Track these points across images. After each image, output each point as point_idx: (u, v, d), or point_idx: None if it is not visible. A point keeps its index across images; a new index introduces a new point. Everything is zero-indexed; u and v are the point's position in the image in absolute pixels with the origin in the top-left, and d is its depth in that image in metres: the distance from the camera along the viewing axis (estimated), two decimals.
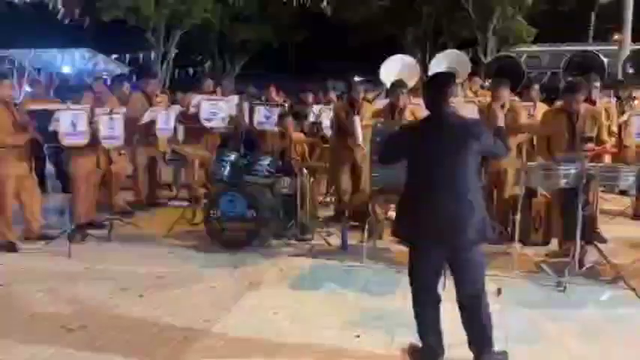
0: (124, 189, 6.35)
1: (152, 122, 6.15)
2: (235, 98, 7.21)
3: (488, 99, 5.37)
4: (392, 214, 5.41)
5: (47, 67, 14.88)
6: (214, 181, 5.58)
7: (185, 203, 6.23)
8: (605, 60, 7.50)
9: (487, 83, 7.45)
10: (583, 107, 4.57)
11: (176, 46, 17.61)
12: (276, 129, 6.14)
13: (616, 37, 13.86)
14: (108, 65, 15.64)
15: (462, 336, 2.84)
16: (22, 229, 5.21)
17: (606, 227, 5.21)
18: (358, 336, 3.27)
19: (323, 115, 6.62)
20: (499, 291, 3.83)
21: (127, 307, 3.72)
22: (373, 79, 9.52)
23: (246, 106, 7.06)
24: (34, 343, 3.19)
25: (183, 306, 3.75)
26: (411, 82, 7.70)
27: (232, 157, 5.38)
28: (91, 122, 5.22)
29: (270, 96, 7.82)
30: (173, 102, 7.11)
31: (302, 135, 6.19)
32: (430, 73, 8.88)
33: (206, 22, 17.09)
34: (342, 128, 5.58)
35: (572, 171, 4.02)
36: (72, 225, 5.29)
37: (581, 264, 4.20)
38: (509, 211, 4.91)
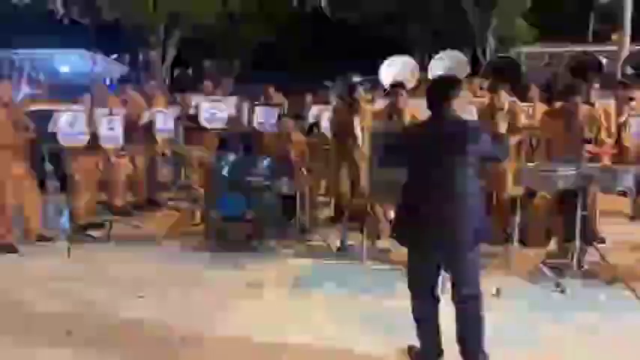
0: (123, 189, 6.35)
1: (151, 122, 6.15)
2: (234, 99, 7.22)
3: (487, 100, 5.37)
4: (391, 214, 5.42)
5: (46, 68, 14.87)
6: (213, 182, 5.58)
7: (184, 204, 6.23)
8: (604, 61, 7.50)
9: (486, 84, 7.45)
10: (582, 108, 4.58)
11: (175, 47, 17.60)
12: (275, 129, 6.15)
13: (615, 37, 13.87)
14: (107, 65, 15.63)
15: None
16: (21, 229, 5.21)
17: (605, 228, 5.22)
18: (357, 337, 3.27)
19: (322, 115, 6.62)
20: (498, 291, 3.84)
21: (126, 308, 3.72)
22: (372, 80, 9.53)
23: (245, 106, 7.06)
24: (33, 345, 3.20)
25: (182, 307, 3.75)
26: (411, 83, 7.72)
27: (231, 157, 5.39)
28: (90, 123, 5.22)
29: (270, 96, 7.82)
30: (172, 102, 7.11)
31: (301, 135, 6.19)
32: (429, 73, 8.90)
33: (205, 22, 17.07)
34: (342, 129, 5.59)
35: (571, 172, 4.03)
36: (71, 226, 5.29)
37: (580, 265, 4.21)
38: (508, 212, 4.91)
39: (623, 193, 6.02)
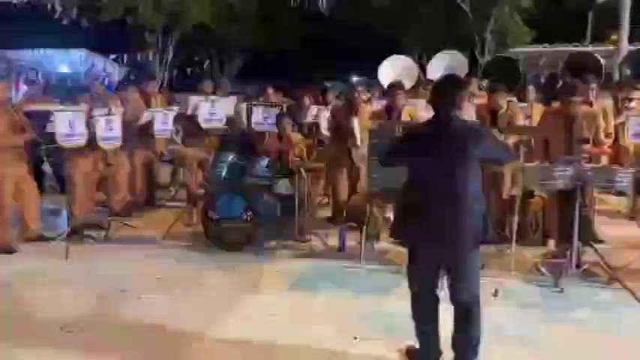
0: (121, 190, 6.34)
1: (150, 123, 6.14)
2: (233, 99, 7.21)
3: (486, 100, 5.37)
4: (390, 215, 5.43)
5: (45, 68, 14.86)
6: (212, 182, 5.58)
7: (183, 204, 6.23)
8: (603, 61, 7.50)
9: (485, 84, 7.45)
10: (580, 108, 4.58)
11: (174, 47, 17.59)
12: (274, 130, 6.14)
13: (613, 37, 13.89)
14: (105, 66, 15.63)
15: None
16: (19, 230, 5.20)
17: (603, 228, 5.23)
18: (356, 337, 3.27)
19: (321, 115, 6.62)
20: (496, 292, 3.84)
21: (125, 308, 3.72)
22: (370, 80, 9.54)
23: (243, 107, 7.05)
24: (32, 345, 3.19)
25: (181, 308, 3.75)
26: (409, 83, 7.72)
27: (230, 158, 5.38)
28: (88, 123, 5.21)
29: (268, 97, 7.81)
30: (171, 102, 7.10)
31: (300, 136, 6.18)
32: (428, 73, 8.91)
33: (204, 23, 17.06)
34: (341, 129, 5.58)
35: (569, 172, 4.04)
36: (69, 226, 5.28)
37: (577, 265, 4.22)
38: (506, 212, 4.92)
39: (621, 193, 6.03)
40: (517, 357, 3.07)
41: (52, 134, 5.16)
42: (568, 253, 4.17)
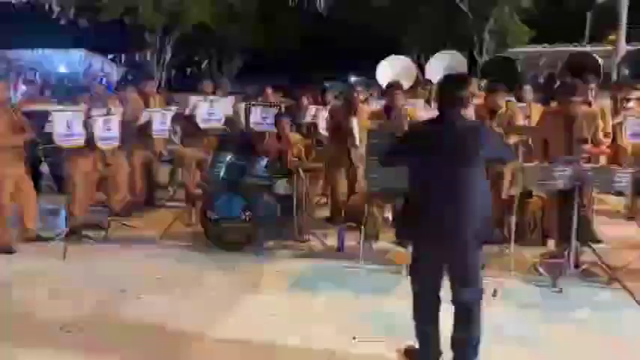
0: (120, 190, 6.33)
1: (148, 123, 6.14)
2: (232, 99, 7.20)
3: (484, 100, 5.37)
4: (388, 215, 5.43)
5: (43, 68, 14.84)
6: (211, 182, 5.58)
7: (182, 204, 6.22)
8: (601, 61, 7.52)
9: (483, 84, 7.46)
10: (579, 108, 4.59)
11: (173, 47, 17.57)
12: (272, 130, 6.14)
13: (611, 37, 13.92)
14: (104, 66, 15.61)
15: None
16: (18, 230, 5.19)
17: (601, 228, 5.23)
18: (355, 337, 3.27)
19: (319, 115, 6.62)
20: (495, 292, 3.84)
21: (124, 309, 3.72)
22: (369, 80, 9.54)
23: (242, 107, 7.05)
24: (31, 346, 3.19)
25: (180, 308, 3.75)
26: (407, 83, 7.72)
27: (229, 158, 5.38)
28: (87, 123, 5.21)
29: (267, 97, 7.81)
30: (170, 102, 7.09)
31: (298, 136, 6.18)
32: (427, 73, 8.92)
33: (203, 23, 17.05)
34: (339, 129, 5.58)
35: (568, 172, 4.04)
36: (68, 226, 5.27)
37: (576, 265, 4.22)
38: (505, 212, 4.92)
39: (620, 193, 6.04)
40: (516, 357, 3.08)
41: (51, 134, 5.16)
42: (567, 253, 4.17)
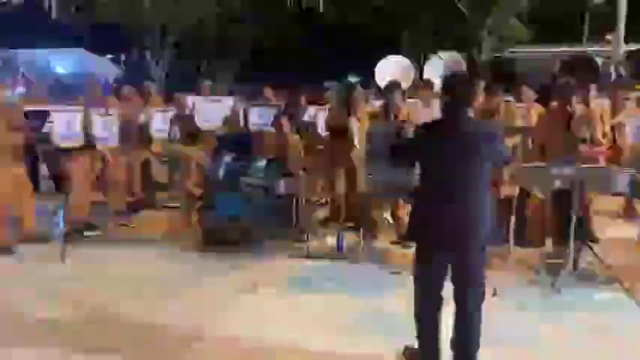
0: (119, 190, 6.33)
1: (147, 123, 6.14)
2: (231, 99, 7.21)
3: (483, 100, 5.37)
4: (387, 215, 5.43)
5: (42, 68, 14.82)
6: (210, 183, 5.58)
7: (180, 205, 6.22)
8: (600, 61, 7.53)
9: (482, 84, 7.46)
10: (578, 109, 4.60)
11: (171, 47, 17.55)
12: (271, 129, 6.15)
13: (609, 37, 13.93)
14: (102, 66, 15.61)
15: None
16: (16, 230, 5.18)
17: (600, 228, 5.24)
18: (354, 338, 3.27)
19: (319, 115, 6.62)
20: (494, 292, 3.84)
21: (122, 309, 3.71)
22: (367, 80, 9.54)
23: (241, 107, 7.05)
24: (29, 346, 3.18)
25: (179, 308, 3.74)
26: (406, 83, 7.74)
27: (228, 158, 5.38)
28: (85, 124, 5.20)
29: (266, 97, 7.82)
30: (168, 102, 7.09)
31: (297, 136, 6.19)
32: (425, 73, 8.94)
33: (202, 22, 17.03)
34: (339, 129, 5.58)
35: (567, 172, 4.04)
36: (67, 227, 5.27)
37: (575, 265, 4.23)
38: (503, 212, 4.92)
39: (618, 193, 6.05)
40: (515, 357, 3.08)
41: (49, 134, 5.15)
42: (565, 253, 4.17)
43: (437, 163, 2.73)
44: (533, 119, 5.40)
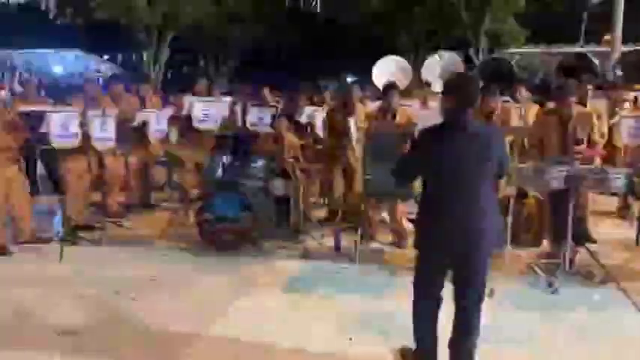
0: (116, 190, 6.32)
1: (145, 123, 6.13)
2: (228, 99, 7.20)
3: (480, 100, 5.38)
4: (385, 215, 5.44)
5: (39, 68, 14.79)
6: (207, 183, 5.57)
7: (178, 205, 6.21)
8: (597, 61, 7.55)
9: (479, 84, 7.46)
10: (574, 109, 4.61)
11: (169, 47, 17.53)
12: (269, 130, 6.15)
13: (607, 38, 13.95)
14: (100, 66, 15.58)
15: None
16: (12, 231, 5.17)
17: (596, 228, 5.26)
18: (351, 339, 3.28)
19: (316, 116, 6.62)
20: (491, 292, 3.85)
21: (119, 310, 3.71)
22: (365, 80, 9.55)
23: (239, 107, 7.04)
24: (25, 349, 3.18)
25: (175, 309, 3.74)
26: (403, 84, 7.74)
27: (225, 158, 5.38)
28: (82, 124, 5.19)
29: (264, 97, 7.81)
30: (166, 103, 7.08)
31: (295, 136, 6.18)
32: (423, 74, 8.94)
33: (199, 22, 17.02)
34: (336, 129, 5.59)
35: (563, 173, 4.06)
36: (63, 227, 5.26)
37: (571, 265, 4.24)
38: (501, 212, 4.93)
39: (614, 193, 6.07)
40: (512, 357, 3.09)
41: (46, 134, 5.14)
42: (562, 253, 4.19)
43: (446, 167, 2.64)
44: (530, 120, 5.41)
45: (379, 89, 6.60)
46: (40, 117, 5.34)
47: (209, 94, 7.43)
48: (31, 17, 15.02)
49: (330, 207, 5.90)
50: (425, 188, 2.76)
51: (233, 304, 3.80)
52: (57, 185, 6.12)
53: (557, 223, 4.48)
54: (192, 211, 5.63)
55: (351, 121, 5.41)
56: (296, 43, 20.93)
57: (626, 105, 6.34)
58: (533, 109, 5.82)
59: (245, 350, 3.16)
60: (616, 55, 11.47)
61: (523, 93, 6.38)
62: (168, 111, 6.46)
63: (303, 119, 6.73)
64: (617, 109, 6.10)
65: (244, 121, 6.69)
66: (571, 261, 4.23)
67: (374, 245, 5.11)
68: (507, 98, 6.27)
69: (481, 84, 5.14)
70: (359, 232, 4.82)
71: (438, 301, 2.83)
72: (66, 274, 4.40)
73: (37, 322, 3.54)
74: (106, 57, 16.35)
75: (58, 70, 15.55)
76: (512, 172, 4.38)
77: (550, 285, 4.05)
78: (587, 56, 7.93)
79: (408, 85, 8.24)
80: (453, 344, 2.81)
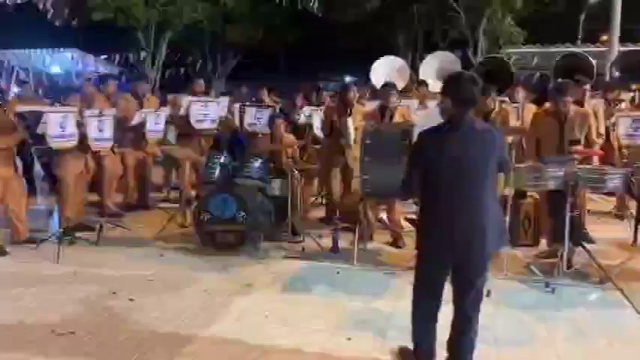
0: (114, 191, 6.32)
1: (142, 124, 6.12)
2: (226, 100, 7.20)
3: None
4: (383, 215, 5.44)
5: (36, 68, 14.76)
6: (205, 183, 5.57)
7: (176, 205, 6.21)
8: (594, 62, 7.55)
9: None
10: (572, 109, 4.62)
11: (166, 47, 17.49)
12: (267, 130, 6.14)
13: (604, 38, 13.98)
14: (97, 66, 15.55)
15: None
16: (8, 231, 5.15)
17: (594, 228, 5.27)
18: (349, 339, 3.28)
19: (314, 116, 6.62)
20: (488, 292, 3.84)
21: (116, 310, 3.70)
22: (363, 80, 9.55)
23: (236, 107, 7.05)
24: (22, 349, 3.17)
25: (173, 309, 3.73)
26: (401, 84, 7.74)
27: (223, 159, 5.37)
28: (80, 124, 5.18)
29: (261, 97, 7.81)
30: (163, 103, 7.08)
31: (293, 136, 6.19)
32: (421, 74, 8.94)
33: (197, 22, 16.99)
34: (334, 129, 5.59)
35: (561, 173, 4.06)
36: (60, 228, 5.25)
37: (569, 265, 4.25)
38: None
39: (612, 193, 6.08)
40: (510, 357, 3.09)
41: (43, 135, 5.13)
42: (559, 253, 4.19)
43: (446, 167, 2.62)
44: (528, 120, 5.42)
45: (377, 89, 6.60)
46: (37, 117, 5.33)
47: (207, 94, 7.42)
48: (28, 17, 14.98)
49: (327, 207, 5.90)
50: (425, 188, 2.75)
51: (231, 305, 3.80)
52: (54, 185, 6.12)
53: (554, 223, 4.48)
54: (190, 211, 5.63)
55: (349, 121, 5.41)
56: (294, 43, 20.91)
57: (624, 105, 6.35)
58: (531, 109, 5.82)
59: (242, 350, 3.16)
60: (614, 56, 11.48)
61: (521, 93, 6.39)
62: (166, 111, 6.45)
63: (302, 119, 6.73)
64: (614, 109, 6.11)
65: (242, 122, 6.69)
66: (569, 261, 4.24)
67: (372, 245, 5.11)
68: (505, 98, 6.28)
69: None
70: (357, 232, 4.81)
71: (438, 302, 2.83)
72: (62, 274, 4.39)
73: (34, 322, 3.52)
74: (103, 57, 16.29)
75: (55, 69, 15.51)
76: (509, 173, 4.39)
77: (547, 285, 4.05)
78: (585, 56, 7.93)
79: (405, 85, 8.25)
80: (451, 344, 2.81)
